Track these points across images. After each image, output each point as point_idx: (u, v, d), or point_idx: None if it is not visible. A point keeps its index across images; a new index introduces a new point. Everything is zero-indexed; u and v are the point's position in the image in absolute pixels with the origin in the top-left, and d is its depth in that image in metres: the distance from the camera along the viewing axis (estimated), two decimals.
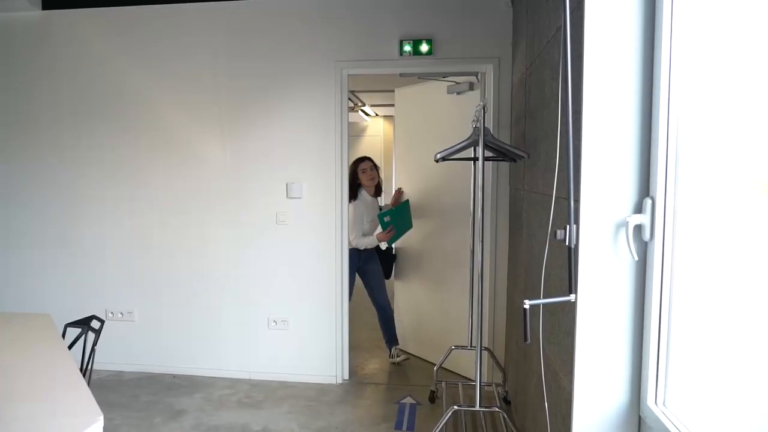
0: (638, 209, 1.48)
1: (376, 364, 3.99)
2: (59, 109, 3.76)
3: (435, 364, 3.81)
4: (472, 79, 3.70)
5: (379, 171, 4.05)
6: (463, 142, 2.69)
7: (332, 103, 3.55)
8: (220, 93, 3.62)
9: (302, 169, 3.59)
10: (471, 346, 3.25)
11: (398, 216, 3.88)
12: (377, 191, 4.04)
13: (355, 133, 8.83)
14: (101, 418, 1.46)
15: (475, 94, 3.62)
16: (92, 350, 2.11)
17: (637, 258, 1.46)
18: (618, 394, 1.52)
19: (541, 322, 1.92)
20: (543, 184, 2.26)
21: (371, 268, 3.96)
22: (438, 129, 3.84)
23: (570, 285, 1.52)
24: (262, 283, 3.66)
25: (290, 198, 3.58)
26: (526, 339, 1.53)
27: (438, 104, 3.87)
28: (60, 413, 1.53)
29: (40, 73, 3.76)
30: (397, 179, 4.33)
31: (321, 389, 3.49)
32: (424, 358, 4.00)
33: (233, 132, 3.63)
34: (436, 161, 2.73)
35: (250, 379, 3.66)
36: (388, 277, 4.07)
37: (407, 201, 3.97)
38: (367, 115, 8.95)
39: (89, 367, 2.07)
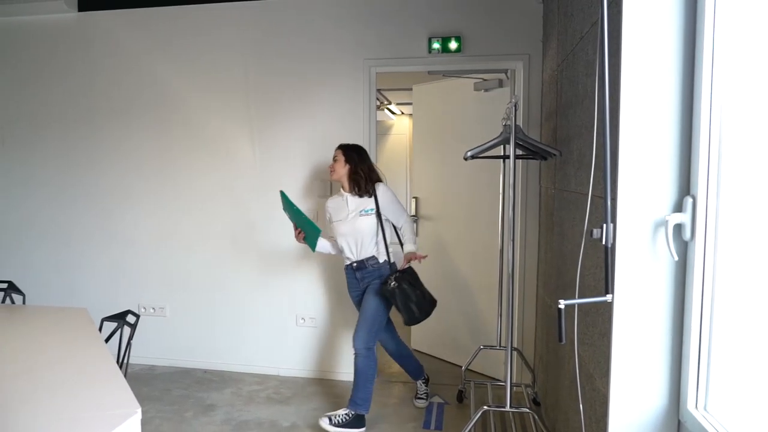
0: (678, 208, 1.44)
1: None
2: (93, 107, 3.86)
3: (457, 366, 3.80)
4: (502, 76, 3.67)
5: (347, 158, 2.99)
6: (493, 139, 2.66)
7: (360, 101, 3.56)
8: (249, 91, 3.66)
9: None
10: (500, 346, 3.22)
11: (290, 211, 2.97)
12: (353, 187, 2.98)
13: (381, 131, 8.84)
14: (139, 410, 1.49)
15: (504, 92, 3.59)
16: (128, 344, 2.16)
17: (677, 258, 1.43)
18: (656, 398, 1.49)
19: (576, 322, 1.89)
20: (576, 182, 2.22)
21: (365, 300, 3.00)
22: (461, 126, 3.81)
23: (606, 285, 1.49)
24: (291, 281, 3.69)
25: (320, 197, 3.60)
26: (561, 339, 1.51)
27: (462, 101, 3.83)
28: (99, 405, 1.56)
29: (76, 74, 3.87)
30: (415, 177, 4.27)
31: (349, 387, 3.48)
32: (446, 359, 3.97)
33: (263, 130, 3.67)
34: (466, 159, 2.71)
35: (278, 375, 3.70)
36: (409, 322, 2.95)
37: (281, 192, 2.97)
38: (392, 113, 8.95)
39: (125, 360, 2.12)
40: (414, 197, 4.17)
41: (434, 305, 3.00)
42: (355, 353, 2.92)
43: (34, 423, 1.44)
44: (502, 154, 3.18)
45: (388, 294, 2.89)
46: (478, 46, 3.42)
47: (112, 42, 3.81)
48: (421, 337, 4.16)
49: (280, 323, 3.73)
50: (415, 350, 4.16)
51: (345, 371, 3.64)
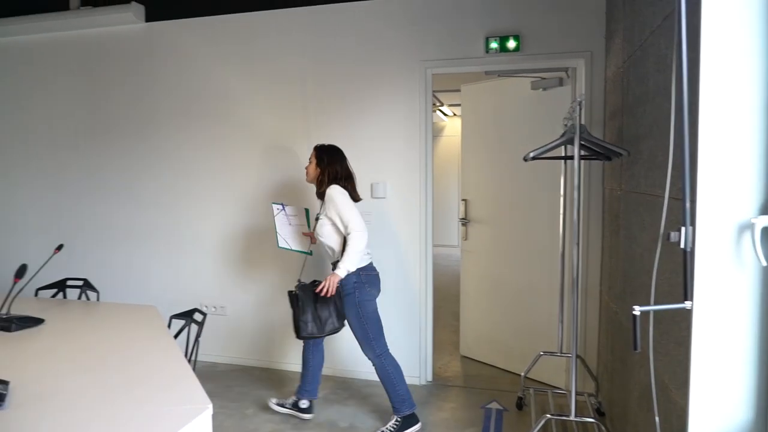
0: (766, 210, 1.36)
1: (458, 368, 3.94)
2: (156, 112, 4.05)
3: (511, 372, 3.73)
4: (562, 74, 3.58)
5: (319, 159, 2.93)
6: (557, 139, 2.60)
7: (416, 103, 3.56)
8: (305, 95, 3.73)
9: (386, 169, 3.62)
10: (561, 353, 3.14)
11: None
12: (319, 191, 2.95)
13: (433, 133, 8.81)
14: (210, 406, 1.54)
15: (564, 91, 3.50)
16: (196, 341, 2.24)
17: (765, 263, 1.35)
18: (741, 411, 1.41)
19: (651, 330, 1.81)
20: (646, 183, 2.14)
21: (345, 312, 2.96)
22: (515, 127, 3.72)
23: (685, 291, 1.43)
24: None
25: (375, 198, 3.63)
26: (635, 347, 1.45)
27: (516, 101, 3.75)
28: (172, 400, 1.62)
29: (142, 81, 4.07)
30: (464, 179, 4.19)
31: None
32: (498, 366, 3.89)
33: (319, 132, 3.72)
34: (526, 160, 2.65)
35: (334, 376, 3.74)
36: (297, 335, 2.87)
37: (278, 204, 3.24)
38: (444, 115, 8.92)
39: (194, 358, 2.20)
40: (463, 199, 4.12)
41: (334, 331, 2.88)
42: (372, 364, 2.94)
43: (111, 416, 1.51)
44: (562, 154, 3.09)
45: (290, 297, 2.86)
46: (537, 44, 3.35)
47: (176, 50, 3.98)
48: (472, 343, 4.10)
49: None
50: (465, 357, 4.11)
51: None
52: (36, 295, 2.97)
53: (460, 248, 4.26)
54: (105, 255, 4.25)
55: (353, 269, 2.78)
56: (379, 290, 2.99)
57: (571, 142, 2.54)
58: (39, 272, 2.74)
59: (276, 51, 3.78)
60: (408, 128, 3.58)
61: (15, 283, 1.78)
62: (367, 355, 2.93)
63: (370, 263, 2.94)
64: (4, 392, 1.56)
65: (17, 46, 4.35)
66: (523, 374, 3.23)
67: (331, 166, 2.89)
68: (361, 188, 3.64)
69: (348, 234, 2.76)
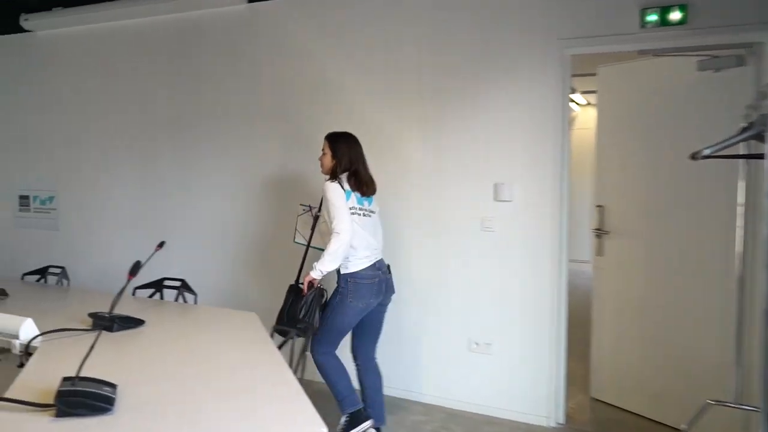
0: None
1: (595, 410, 3.72)
2: (258, 103, 4.25)
3: (657, 422, 3.46)
4: (741, 51, 3.29)
5: (333, 150, 3.10)
6: (739, 134, 2.36)
7: (550, 89, 3.45)
8: (422, 85, 3.73)
9: (513, 168, 3.53)
10: (738, 404, 2.85)
11: None
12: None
13: None
14: (325, 430, 1.56)
15: (743, 72, 3.21)
16: (302, 355, 2.29)
17: None
18: None
19: None
20: None
21: None
22: (670, 117, 3.48)
23: None
24: (463, 298, 3.67)
25: (498, 201, 3.55)
26: None
27: (670, 85, 3.49)
28: (281, 419, 1.67)
29: (244, 67, 4.28)
30: (599, 181, 3.95)
31: (530, 429, 3.37)
32: (640, 413, 3.60)
33: (434, 127, 3.71)
34: (695, 159, 2.43)
35: (446, 407, 3.68)
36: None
37: None
38: (575, 103, 8.59)
39: (300, 375, 2.26)
40: (598, 206, 3.89)
41: (287, 325, 3.03)
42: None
43: (220, 428, 1.57)
44: (739, 152, 2.82)
45: None
46: (709, 14, 3.12)
47: (280, 33, 4.15)
48: (607, 384, 3.84)
49: (450, 347, 3.72)
50: (596, 400, 3.85)
51: (526, 411, 3.52)
52: (134, 294, 3.22)
53: (593, 264, 4.04)
54: (197, 254, 4.50)
55: (326, 271, 2.94)
56: (366, 303, 3.03)
57: (760, 137, 2.30)
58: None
59: (387, 33, 3.81)
60: (540, 120, 3.47)
61: (129, 280, 1.93)
62: (310, 348, 3.06)
63: (367, 267, 3.00)
64: (113, 396, 1.68)
65: (112, 32, 4.77)
66: (685, 426, 2.97)
67: (345, 156, 3.07)
68: (484, 189, 3.58)
69: (332, 234, 2.93)
